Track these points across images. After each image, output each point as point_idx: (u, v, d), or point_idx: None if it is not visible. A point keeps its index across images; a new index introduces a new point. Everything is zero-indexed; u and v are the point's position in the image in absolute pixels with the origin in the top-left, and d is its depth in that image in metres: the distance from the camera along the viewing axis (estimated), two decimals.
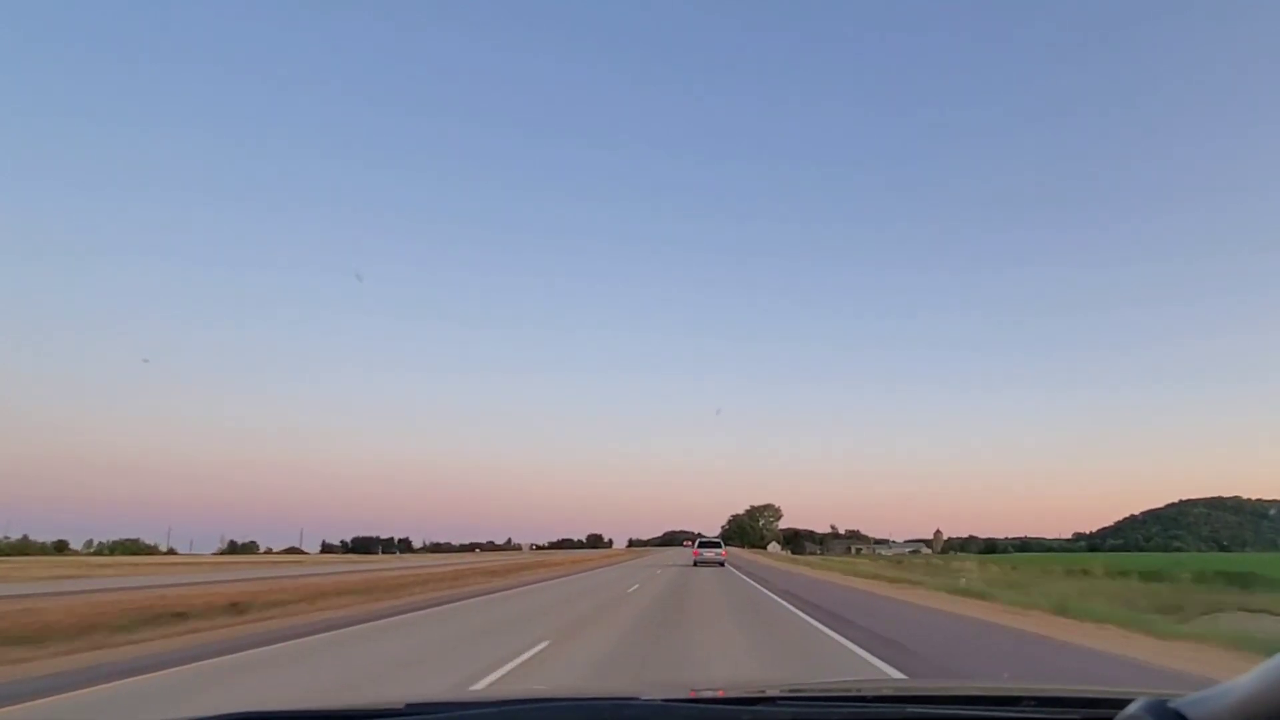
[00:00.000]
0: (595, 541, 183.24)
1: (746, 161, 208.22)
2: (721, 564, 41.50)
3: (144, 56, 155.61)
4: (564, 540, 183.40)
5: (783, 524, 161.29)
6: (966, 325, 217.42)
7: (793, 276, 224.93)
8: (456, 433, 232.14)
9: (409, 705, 1.56)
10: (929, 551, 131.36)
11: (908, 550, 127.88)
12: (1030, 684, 1.83)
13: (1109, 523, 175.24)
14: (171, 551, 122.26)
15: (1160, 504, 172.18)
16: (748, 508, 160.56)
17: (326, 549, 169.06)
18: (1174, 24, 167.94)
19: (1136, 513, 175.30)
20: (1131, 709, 0.90)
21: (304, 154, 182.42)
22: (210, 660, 8.91)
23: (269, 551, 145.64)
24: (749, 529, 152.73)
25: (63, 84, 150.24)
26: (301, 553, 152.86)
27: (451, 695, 1.88)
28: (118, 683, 7.41)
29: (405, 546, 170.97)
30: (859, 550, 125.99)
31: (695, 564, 41.40)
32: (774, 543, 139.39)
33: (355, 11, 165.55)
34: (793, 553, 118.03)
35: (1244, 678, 0.75)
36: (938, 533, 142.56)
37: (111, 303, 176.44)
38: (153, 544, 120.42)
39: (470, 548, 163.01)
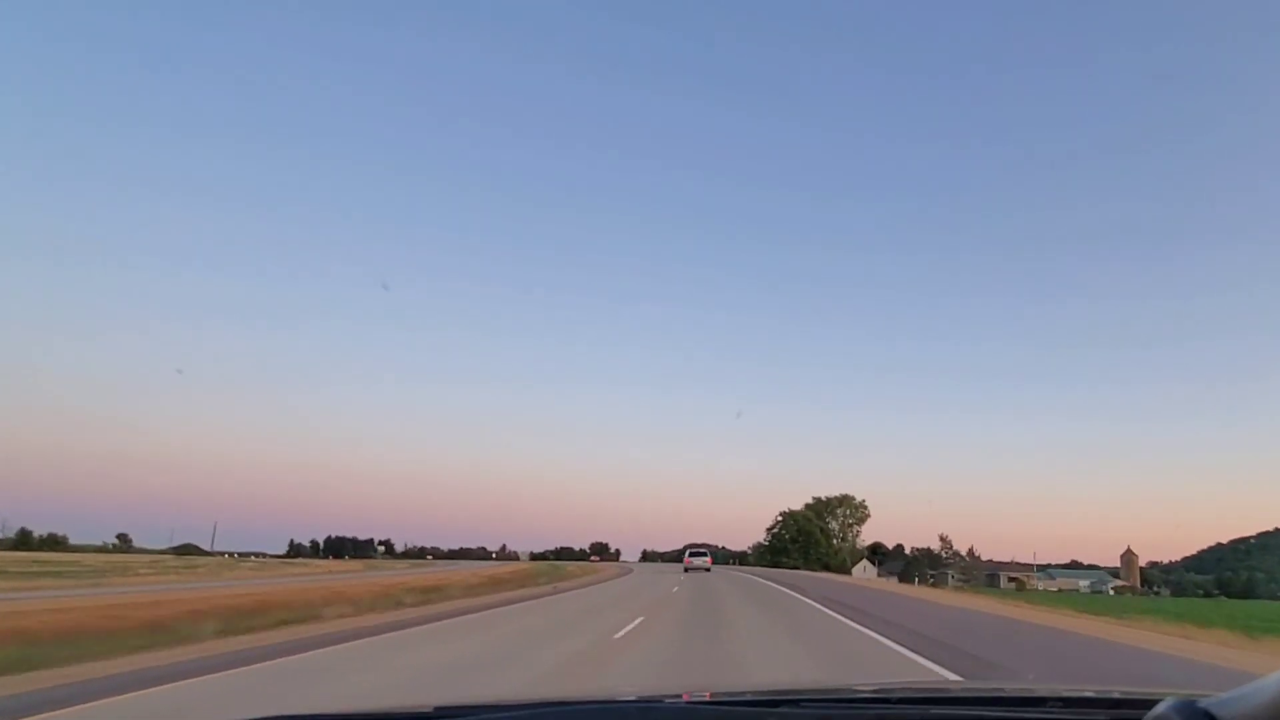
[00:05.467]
0: (600, 551, 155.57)
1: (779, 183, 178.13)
2: (708, 570, 44.31)
3: (172, 67, 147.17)
4: (563, 549, 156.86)
5: (866, 530, 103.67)
6: (1038, 349, 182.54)
7: (841, 301, 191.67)
8: (461, 436, 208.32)
9: (438, 709, 1.58)
10: (1120, 583, 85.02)
11: (1084, 583, 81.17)
12: (1056, 684, 1.85)
13: (1189, 552, 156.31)
14: None
15: (1250, 532, 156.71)
16: (809, 500, 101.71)
17: (294, 549, 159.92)
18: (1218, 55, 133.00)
19: (1222, 541, 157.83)
20: (1160, 709, 0.85)
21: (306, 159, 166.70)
22: None
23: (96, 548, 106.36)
24: (816, 535, 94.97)
25: (94, 91, 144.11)
26: (197, 551, 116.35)
27: (480, 699, 1.90)
28: None
29: (389, 550, 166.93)
30: (1012, 580, 79.68)
31: (686, 571, 43.15)
32: (863, 561, 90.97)
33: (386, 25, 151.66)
34: (899, 579, 73.14)
35: (1274, 676, 0.72)
36: (1129, 554, 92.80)
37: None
38: None
39: (459, 553, 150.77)
